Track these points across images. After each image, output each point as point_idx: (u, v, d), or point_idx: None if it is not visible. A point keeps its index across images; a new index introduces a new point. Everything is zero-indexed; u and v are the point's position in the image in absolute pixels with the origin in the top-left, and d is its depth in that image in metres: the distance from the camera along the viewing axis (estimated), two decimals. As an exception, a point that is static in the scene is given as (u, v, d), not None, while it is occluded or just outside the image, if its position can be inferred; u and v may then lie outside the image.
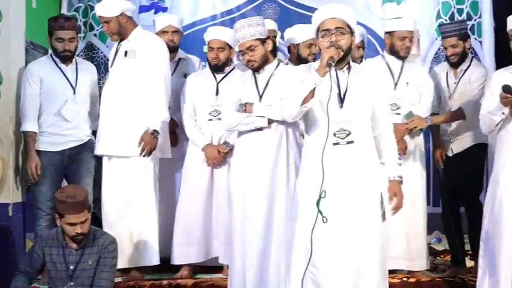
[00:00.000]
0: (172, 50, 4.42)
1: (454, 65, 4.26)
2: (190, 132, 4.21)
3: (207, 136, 4.17)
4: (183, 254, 4.14)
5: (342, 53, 2.86)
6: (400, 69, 4.13)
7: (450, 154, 4.30)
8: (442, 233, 4.82)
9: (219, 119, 4.13)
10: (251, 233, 3.49)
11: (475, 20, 5.38)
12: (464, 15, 5.38)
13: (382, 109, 3.07)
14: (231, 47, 4.21)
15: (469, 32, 4.54)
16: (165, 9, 5.47)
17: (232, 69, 4.27)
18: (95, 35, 5.40)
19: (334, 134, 2.90)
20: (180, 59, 4.59)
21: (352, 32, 2.94)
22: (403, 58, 4.14)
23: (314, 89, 2.82)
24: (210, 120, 4.19)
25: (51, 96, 4.02)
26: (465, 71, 4.24)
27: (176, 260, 4.15)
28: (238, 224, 3.56)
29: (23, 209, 4.03)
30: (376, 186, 2.96)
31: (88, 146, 4.13)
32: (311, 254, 2.80)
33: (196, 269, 4.19)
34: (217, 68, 4.19)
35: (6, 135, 3.97)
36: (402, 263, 4.04)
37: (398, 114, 4.07)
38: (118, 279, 3.73)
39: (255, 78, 3.65)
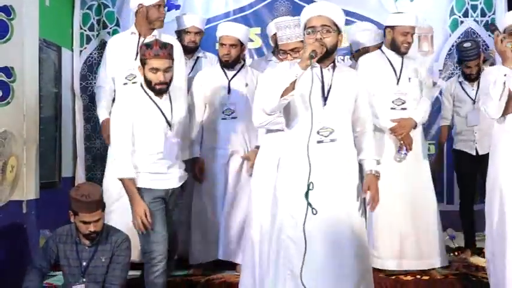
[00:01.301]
0: (193, 50, 4.44)
1: (474, 79, 4.61)
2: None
3: (223, 135, 4.18)
4: (200, 253, 4.16)
5: (325, 49, 2.87)
6: (401, 65, 4.09)
7: (474, 153, 4.54)
8: (455, 231, 4.81)
9: (233, 117, 4.14)
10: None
11: (489, 16, 5.34)
12: (478, 12, 5.35)
13: (365, 108, 3.09)
14: (242, 44, 4.21)
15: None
16: (178, 7, 5.47)
17: (243, 66, 4.27)
18: (108, 33, 5.40)
19: (318, 132, 2.92)
20: (198, 57, 4.61)
21: (339, 31, 2.95)
22: (403, 54, 4.10)
23: (295, 81, 2.81)
24: (223, 119, 4.19)
25: (148, 135, 3.42)
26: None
27: (192, 259, 4.17)
28: (257, 222, 3.55)
29: (37, 206, 4.06)
30: (356, 182, 3.01)
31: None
32: (306, 247, 2.82)
33: (208, 265, 4.20)
34: (228, 64, 4.19)
35: (20, 133, 3.98)
36: (415, 263, 4.00)
37: (404, 109, 4.03)
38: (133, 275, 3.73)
39: None
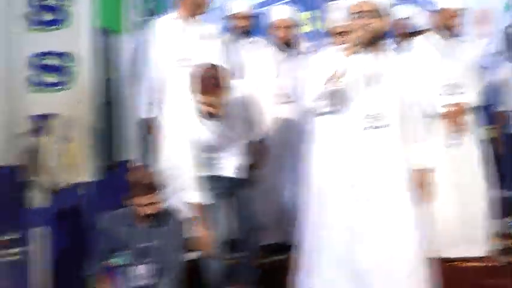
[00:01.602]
0: (244, 35, 4.43)
1: None
2: None
3: (275, 119, 4.14)
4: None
5: (371, 35, 2.85)
6: (450, 49, 4.00)
7: None
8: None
9: (286, 102, 4.12)
10: None
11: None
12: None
13: (413, 94, 3.04)
14: (295, 26, 4.19)
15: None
16: (225, -7, 5.45)
17: (295, 50, 4.23)
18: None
19: (364, 119, 2.91)
20: (249, 42, 4.57)
21: (385, 15, 2.92)
22: (451, 37, 4.01)
23: (341, 69, 2.79)
24: (276, 103, 4.17)
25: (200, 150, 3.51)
26: None
27: None
28: (314, 208, 3.53)
29: (94, 189, 4.12)
30: (406, 169, 2.97)
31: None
32: (354, 238, 2.84)
33: (267, 248, 4.15)
34: (283, 47, 4.17)
35: (76, 118, 4.05)
36: (466, 250, 3.93)
37: (456, 93, 3.92)
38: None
39: None
